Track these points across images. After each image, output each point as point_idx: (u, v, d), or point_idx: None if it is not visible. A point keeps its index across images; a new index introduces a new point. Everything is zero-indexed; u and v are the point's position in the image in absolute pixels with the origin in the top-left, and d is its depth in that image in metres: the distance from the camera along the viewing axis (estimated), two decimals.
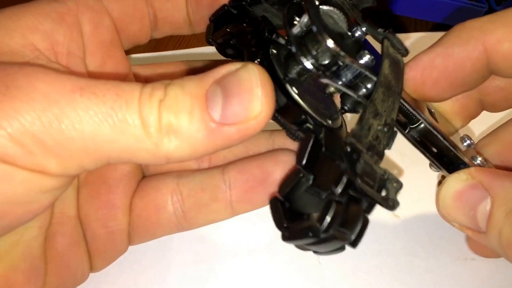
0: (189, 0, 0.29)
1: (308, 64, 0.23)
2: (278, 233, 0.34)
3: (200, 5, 0.29)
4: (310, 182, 0.22)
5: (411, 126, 0.25)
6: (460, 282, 0.33)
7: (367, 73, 0.22)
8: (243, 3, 0.27)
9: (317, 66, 0.23)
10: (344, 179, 0.20)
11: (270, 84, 0.20)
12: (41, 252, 0.25)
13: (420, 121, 0.25)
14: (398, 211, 0.35)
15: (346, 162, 0.20)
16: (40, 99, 0.18)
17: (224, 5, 0.29)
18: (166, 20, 0.30)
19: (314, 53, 0.22)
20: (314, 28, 0.21)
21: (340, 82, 0.23)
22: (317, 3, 0.23)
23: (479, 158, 0.27)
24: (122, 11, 0.27)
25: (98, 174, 0.29)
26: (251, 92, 0.19)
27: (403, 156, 0.39)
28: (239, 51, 0.27)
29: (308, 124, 0.24)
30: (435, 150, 0.26)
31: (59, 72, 0.19)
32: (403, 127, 0.26)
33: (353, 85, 0.23)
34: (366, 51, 0.23)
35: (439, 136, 0.25)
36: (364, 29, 0.24)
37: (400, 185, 0.22)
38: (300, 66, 0.23)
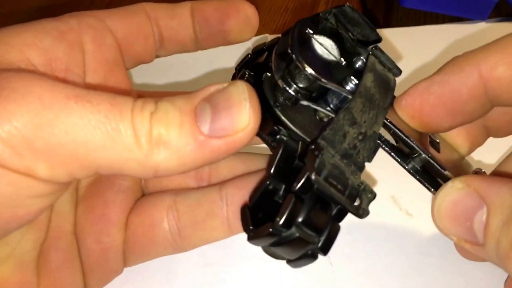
0: (197, 17, 0.29)
1: (288, 87, 0.24)
2: None
3: (208, 23, 0.29)
4: (281, 192, 0.24)
5: (413, 156, 0.25)
6: (475, 280, 0.32)
7: (350, 96, 0.23)
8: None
9: (298, 89, 0.24)
10: (305, 175, 0.21)
11: (256, 99, 0.21)
12: (34, 266, 0.25)
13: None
14: (410, 209, 0.35)
15: (307, 159, 0.21)
16: (34, 102, 0.18)
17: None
18: (172, 39, 0.30)
19: (296, 78, 0.24)
20: (293, 56, 0.23)
21: (327, 108, 0.25)
22: (309, 31, 0.24)
23: None
24: (126, 31, 0.28)
25: (96, 189, 0.29)
26: (239, 105, 0.20)
27: None
28: None
29: (281, 136, 0.25)
30: (439, 180, 0.26)
31: (55, 80, 0.20)
32: (406, 157, 0.26)
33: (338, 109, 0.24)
34: (353, 78, 0.24)
35: (434, 164, 0.25)
36: (363, 58, 0.25)
37: (373, 196, 0.23)
38: (285, 88, 0.24)
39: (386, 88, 0.25)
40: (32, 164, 0.19)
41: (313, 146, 0.21)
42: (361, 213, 0.22)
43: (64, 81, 0.24)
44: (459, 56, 0.25)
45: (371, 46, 0.26)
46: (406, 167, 0.26)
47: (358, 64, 0.25)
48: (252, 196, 0.25)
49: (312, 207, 0.22)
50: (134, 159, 0.20)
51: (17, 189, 0.19)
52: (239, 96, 0.20)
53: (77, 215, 0.28)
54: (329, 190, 0.21)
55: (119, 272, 0.30)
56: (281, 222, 0.21)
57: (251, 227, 0.24)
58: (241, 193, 0.28)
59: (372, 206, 0.34)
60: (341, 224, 0.35)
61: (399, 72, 0.26)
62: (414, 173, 0.25)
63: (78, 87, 0.20)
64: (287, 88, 0.24)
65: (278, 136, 0.25)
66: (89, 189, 0.29)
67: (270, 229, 0.21)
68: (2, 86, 0.18)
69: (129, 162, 0.20)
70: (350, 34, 0.26)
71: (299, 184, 0.21)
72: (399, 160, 0.26)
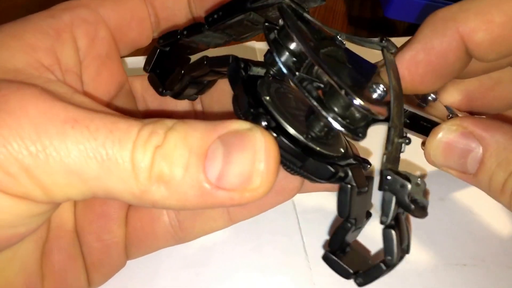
0: None
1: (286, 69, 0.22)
2: (267, 237, 0.34)
3: (205, 1, 0.28)
4: (353, 228, 0.23)
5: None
6: (451, 287, 0.33)
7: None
8: (179, 36, 0.27)
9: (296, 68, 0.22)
10: (393, 205, 0.21)
11: (275, 159, 0.19)
12: (38, 267, 0.25)
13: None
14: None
15: (397, 191, 0.21)
16: (29, 128, 0.18)
17: (155, 47, 0.29)
18: (168, 20, 0.29)
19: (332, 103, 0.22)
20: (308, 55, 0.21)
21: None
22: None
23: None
24: (119, 18, 0.27)
25: None
26: (253, 165, 0.18)
27: None
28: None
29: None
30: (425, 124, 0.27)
31: (56, 99, 0.19)
32: None
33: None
34: (374, 85, 0.22)
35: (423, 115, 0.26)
36: (383, 87, 0.22)
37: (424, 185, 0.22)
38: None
39: (397, 74, 0.24)
40: (29, 190, 0.18)
41: (389, 177, 0.21)
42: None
43: (70, 86, 0.23)
44: (435, 18, 0.24)
45: (380, 39, 0.25)
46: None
47: (376, 94, 0.23)
48: (334, 244, 0.24)
49: (399, 224, 0.22)
50: (130, 192, 0.19)
51: (16, 212, 0.19)
52: (255, 154, 0.19)
53: (77, 214, 0.28)
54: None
55: (122, 266, 0.30)
56: (395, 259, 0.21)
57: (351, 272, 0.23)
58: None
59: None
60: (320, 229, 0.36)
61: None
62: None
63: (79, 108, 0.19)
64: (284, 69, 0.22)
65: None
66: None
67: (384, 267, 0.22)
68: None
69: (125, 194, 0.19)
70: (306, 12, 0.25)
71: (390, 219, 0.21)
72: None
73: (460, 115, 0.28)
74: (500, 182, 0.23)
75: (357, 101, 0.20)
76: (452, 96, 0.30)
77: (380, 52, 0.25)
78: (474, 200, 0.38)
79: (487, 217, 0.37)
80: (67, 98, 0.20)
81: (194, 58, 0.30)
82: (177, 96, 0.30)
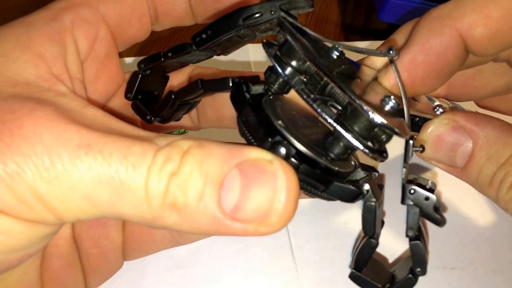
0: None
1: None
2: (254, 239, 0.34)
3: None
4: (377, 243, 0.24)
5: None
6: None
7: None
8: (163, 59, 0.27)
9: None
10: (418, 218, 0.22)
11: (295, 197, 0.18)
12: (38, 275, 0.25)
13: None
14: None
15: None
16: (42, 154, 0.17)
17: (136, 73, 0.28)
18: (167, 14, 0.28)
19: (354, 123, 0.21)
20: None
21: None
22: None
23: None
24: (120, 15, 0.26)
25: None
26: (272, 202, 0.18)
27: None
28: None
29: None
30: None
31: (69, 121, 0.18)
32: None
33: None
34: (386, 97, 0.22)
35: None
36: (394, 99, 0.22)
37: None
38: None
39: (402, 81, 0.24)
40: (41, 215, 0.18)
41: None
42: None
43: (79, 95, 0.22)
44: (430, 18, 0.24)
45: (388, 49, 0.23)
46: None
47: (389, 106, 0.22)
48: (360, 264, 0.26)
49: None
50: (141, 217, 0.18)
51: (29, 236, 0.19)
52: (275, 193, 0.18)
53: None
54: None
55: (119, 268, 0.30)
56: (426, 270, 0.22)
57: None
58: None
59: (340, 217, 0.35)
60: (308, 232, 0.35)
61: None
62: None
63: (93, 131, 0.18)
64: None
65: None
66: None
67: (415, 280, 0.23)
68: (12, 132, 0.18)
69: (136, 218, 0.18)
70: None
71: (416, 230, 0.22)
72: None
73: (443, 104, 0.28)
74: (489, 175, 0.23)
75: (381, 119, 0.20)
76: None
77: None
78: (463, 203, 0.38)
79: (475, 221, 0.37)
80: (80, 114, 0.20)
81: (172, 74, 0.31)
82: (166, 121, 0.30)
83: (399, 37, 0.26)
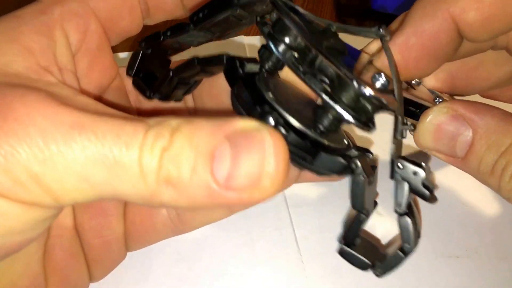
0: None
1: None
2: (259, 231, 0.34)
3: None
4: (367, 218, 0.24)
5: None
6: (444, 279, 0.33)
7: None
8: (162, 37, 0.27)
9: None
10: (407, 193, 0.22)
11: (285, 160, 0.18)
12: (41, 267, 0.25)
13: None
14: (380, 208, 0.35)
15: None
16: (36, 136, 0.18)
17: (137, 50, 0.29)
18: (158, 7, 0.28)
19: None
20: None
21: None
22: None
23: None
24: (110, 8, 0.26)
25: None
26: (262, 166, 0.18)
27: None
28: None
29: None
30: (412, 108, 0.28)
31: (61, 103, 0.19)
32: None
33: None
34: (376, 75, 0.23)
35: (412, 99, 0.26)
36: (384, 77, 0.23)
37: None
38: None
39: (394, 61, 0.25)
40: (38, 197, 0.18)
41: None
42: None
43: (69, 86, 0.23)
44: (424, 0, 0.25)
45: (378, 27, 0.23)
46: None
47: (380, 84, 0.23)
48: (349, 237, 0.25)
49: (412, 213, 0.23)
50: (139, 194, 0.19)
51: (26, 218, 0.19)
52: (264, 157, 0.18)
53: (76, 211, 0.28)
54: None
55: (123, 259, 0.30)
56: (413, 246, 0.22)
57: (370, 264, 0.25)
58: None
59: (344, 207, 0.34)
60: (313, 223, 0.35)
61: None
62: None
63: (85, 112, 0.19)
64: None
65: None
66: None
67: (402, 255, 0.23)
68: (5, 116, 0.18)
69: (134, 196, 0.19)
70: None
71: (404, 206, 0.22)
72: None
73: (445, 98, 0.28)
74: (490, 164, 0.23)
75: (368, 91, 0.20)
76: (436, 75, 0.30)
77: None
78: (467, 191, 0.38)
79: (479, 209, 0.37)
80: (70, 101, 0.20)
81: (175, 57, 0.31)
82: (165, 98, 0.30)
83: (394, 25, 0.27)
